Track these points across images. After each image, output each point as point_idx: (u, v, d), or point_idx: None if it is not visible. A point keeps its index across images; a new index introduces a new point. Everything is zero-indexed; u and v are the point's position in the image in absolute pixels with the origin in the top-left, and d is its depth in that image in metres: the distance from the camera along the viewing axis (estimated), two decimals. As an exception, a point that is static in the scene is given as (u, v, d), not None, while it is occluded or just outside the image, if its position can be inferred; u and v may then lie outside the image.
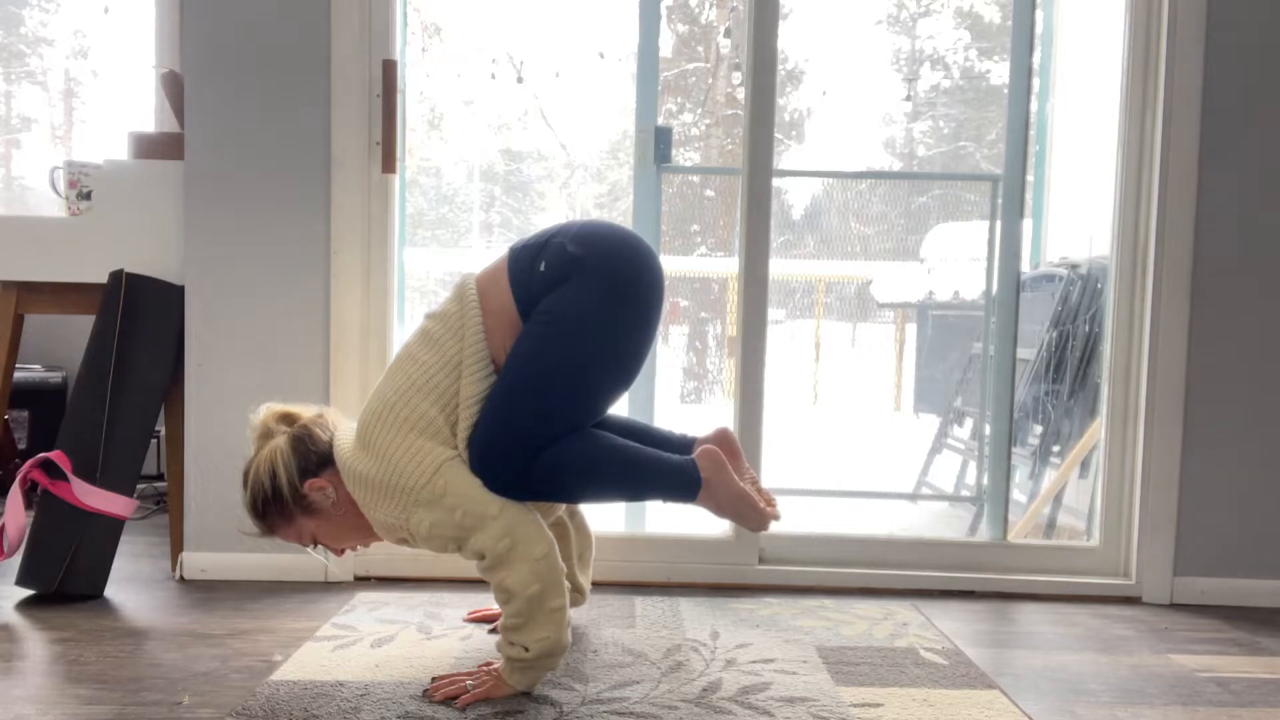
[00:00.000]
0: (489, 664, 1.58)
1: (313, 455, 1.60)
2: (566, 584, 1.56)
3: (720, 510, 1.62)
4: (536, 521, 1.54)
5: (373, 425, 1.56)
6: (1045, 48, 3.80)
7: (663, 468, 1.59)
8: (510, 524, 1.50)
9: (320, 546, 1.67)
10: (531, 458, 1.52)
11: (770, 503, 1.65)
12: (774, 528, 2.27)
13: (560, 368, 1.54)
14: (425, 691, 1.54)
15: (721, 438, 1.68)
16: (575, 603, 1.87)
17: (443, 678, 1.56)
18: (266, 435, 1.63)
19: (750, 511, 1.61)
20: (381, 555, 2.21)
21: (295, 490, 1.58)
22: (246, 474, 1.61)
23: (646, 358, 1.66)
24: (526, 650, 1.50)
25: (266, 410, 1.66)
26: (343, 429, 1.65)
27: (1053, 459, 3.12)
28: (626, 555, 2.20)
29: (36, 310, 2.26)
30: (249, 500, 1.60)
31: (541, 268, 1.57)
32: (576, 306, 1.54)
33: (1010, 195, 2.46)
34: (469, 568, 2.18)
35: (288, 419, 1.65)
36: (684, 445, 1.74)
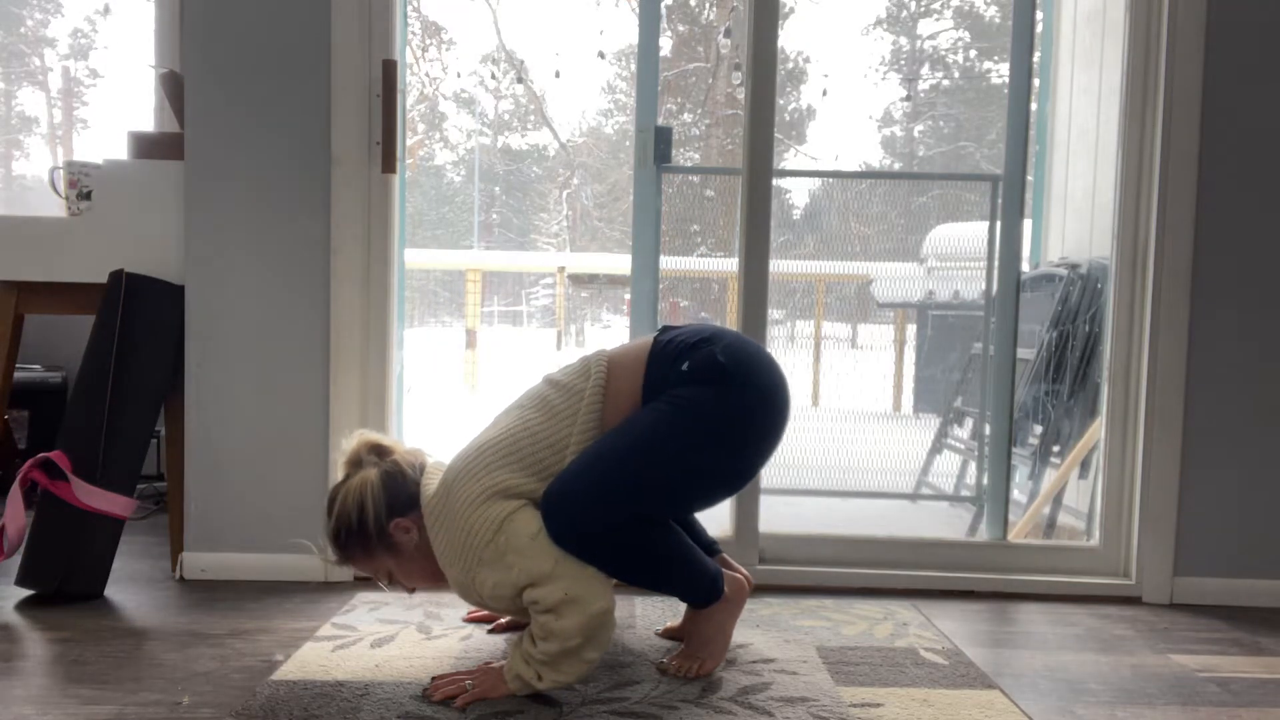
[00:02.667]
0: (489, 664, 1.58)
1: (401, 494, 1.58)
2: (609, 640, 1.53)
3: (703, 626, 1.67)
4: (598, 576, 1.51)
5: (461, 479, 1.54)
6: (1045, 48, 3.80)
7: (701, 572, 1.64)
8: (570, 582, 1.47)
9: (393, 583, 1.66)
10: (606, 530, 1.50)
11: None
12: (774, 528, 2.28)
13: (678, 456, 1.53)
14: (424, 691, 1.54)
15: (746, 582, 1.79)
16: None
17: (442, 677, 1.56)
18: (356, 464, 1.62)
19: (715, 653, 1.67)
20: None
21: (381, 528, 1.57)
22: (333, 501, 1.60)
23: (749, 481, 1.67)
24: (539, 679, 1.49)
25: (359, 438, 1.64)
26: (430, 470, 1.63)
27: (1053, 459, 3.12)
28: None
29: (36, 310, 2.26)
30: (333, 529, 1.59)
31: (685, 367, 1.55)
32: (714, 411, 1.53)
33: (1010, 195, 2.46)
34: (469, 568, 2.19)
35: (379, 450, 1.63)
36: (708, 545, 1.83)
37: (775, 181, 2.23)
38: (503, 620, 1.86)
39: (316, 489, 2.16)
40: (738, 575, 1.74)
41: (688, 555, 1.62)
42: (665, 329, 1.65)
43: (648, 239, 2.38)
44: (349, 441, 1.65)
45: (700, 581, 1.64)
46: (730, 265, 2.46)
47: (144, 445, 2.11)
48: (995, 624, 2.03)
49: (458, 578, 1.56)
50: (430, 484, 1.60)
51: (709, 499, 1.66)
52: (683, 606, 1.77)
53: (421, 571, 1.63)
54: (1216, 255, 2.17)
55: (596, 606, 1.47)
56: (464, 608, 1.97)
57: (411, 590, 1.70)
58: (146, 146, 2.29)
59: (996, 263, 2.61)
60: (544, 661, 1.49)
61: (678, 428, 1.53)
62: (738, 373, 1.55)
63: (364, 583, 2.17)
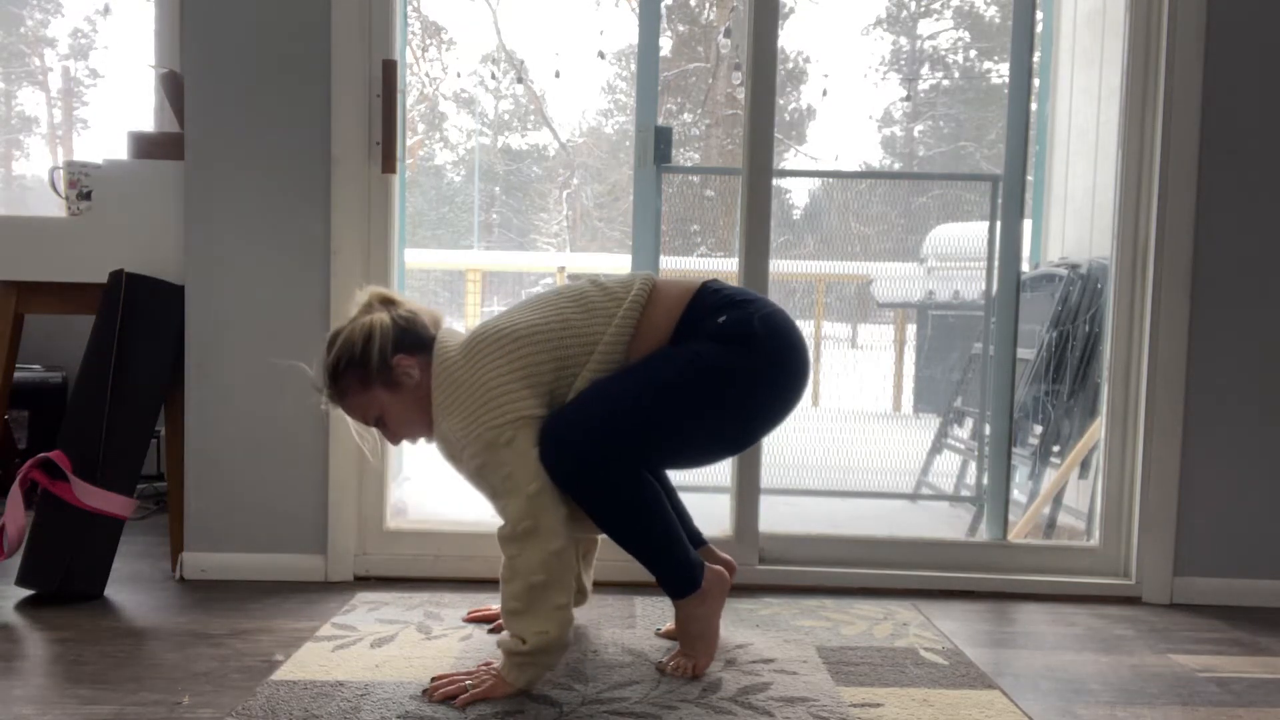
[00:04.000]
0: (488, 664, 1.58)
1: (411, 337, 1.61)
2: (573, 585, 1.56)
3: (687, 623, 1.67)
4: (563, 516, 1.54)
5: (488, 341, 1.56)
6: (1045, 48, 3.80)
7: (683, 556, 1.63)
8: (540, 507, 1.51)
9: (377, 431, 1.66)
10: (605, 460, 1.52)
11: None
12: (774, 528, 2.28)
13: (691, 406, 1.55)
14: (424, 691, 1.54)
15: (730, 570, 1.80)
16: (578, 602, 1.88)
17: (442, 677, 1.56)
18: (367, 310, 1.63)
19: (705, 649, 1.67)
20: (382, 556, 2.21)
21: (384, 360, 1.58)
22: (334, 338, 1.61)
23: (748, 448, 1.72)
24: (524, 642, 1.50)
25: (371, 290, 1.67)
26: (446, 330, 1.65)
27: (1053, 459, 3.12)
28: (627, 555, 2.20)
29: (36, 310, 2.26)
30: (331, 361, 1.60)
31: (720, 320, 1.58)
32: (735, 367, 1.55)
33: (1010, 195, 2.46)
34: (469, 568, 2.19)
35: (391, 303, 1.66)
36: (693, 536, 1.84)
37: (775, 181, 2.23)
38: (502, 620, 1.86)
39: (316, 489, 2.17)
40: (718, 568, 1.72)
41: (673, 533, 1.62)
42: (714, 281, 1.67)
43: (648, 239, 2.38)
44: (360, 294, 1.67)
45: (680, 567, 1.63)
46: (730, 265, 2.46)
47: (144, 445, 2.11)
48: (995, 624, 2.03)
49: (448, 432, 1.56)
50: (448, 338, 1.61)
51: (707, 456, 1.70)
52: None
53: (413, 417, 1.63)
54: (1216, 255, 2.17)
55: (555, 544, 1.51)
56: (464, 608, 1.97)
57: (395, 439, 1.68)
58: (146, 146, 2.29)
59: (996, 263, 2.62)
60: (516, 611, 1.51)
61: (698, 380, 1.55)
62: (768, 342, 1.57)
63: (364, 583, 2.17)
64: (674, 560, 1.64)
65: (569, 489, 1.54)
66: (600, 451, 1.52)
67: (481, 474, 1.55)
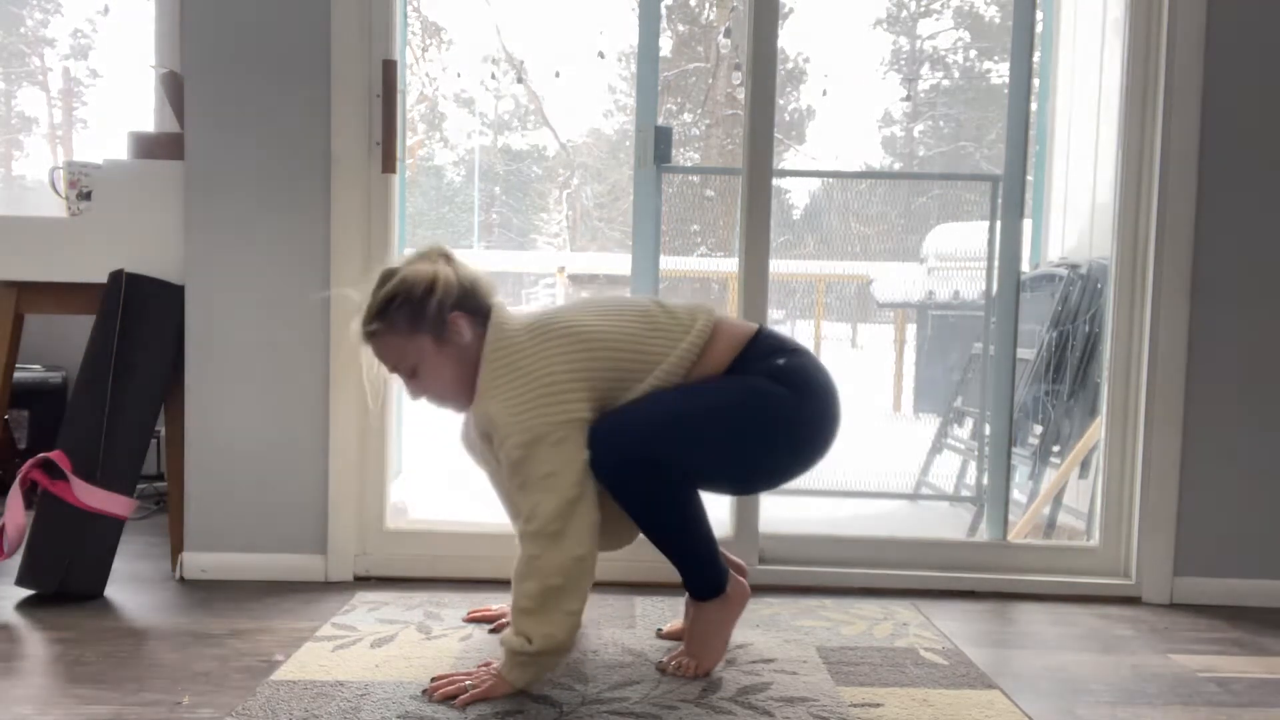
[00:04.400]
0: (488, 663, 1.58)
1: (471, 299, 1.60)
2: (588, 593, 1.57)
3: (703, 626, 1.68)
4: (595, 526, 1.54)
5: (558, 334, 1.56)
6: (1045, 48, 3.80)
7: (714, 559, 1.66)
8: (575, 513, 1.51)
9: (394, 381, 1.63)
10: (656, 459, 1.54)
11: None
12: (774, 528, 2.28)
13: (741, 426, 1.59)
14: (424, 691, 1.54)
15: (742, 573, 1.82)
16: None
17: (442, 678, 1.56)
18: (429, 260, 1.62)
19: (712, 654, 1.68)
20: (382, 556, 2.21)
21: (441, 312, 1.57)
22: (393, 272, 1.59)
23: (766, 488, 1.76)
24: (530, 642, 1.50)
25: (433, 244, 1.66)
26: (502, 304, 1.65)
27: (1053, 459, 3.12)
28: (627, 555, 2.19)
29: (36, 310, 2.26)
30: (384, 295, 1.57)
31: (779, 363, 1.63)
32: (787, 405, 1.60)
33: (1010, 195, 2.46)
34: (469, 568, 2.19)
35: (450, 260, 1.64)
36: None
37: (775, 181, 2.23)
38: (504, 620, 1.86)
39: (316, 489, 2.17)
40: (742, 580, 1.76)
41: (709, 535, 1.65)
42: (768, 328, 1.73)
43: (648, 239, 2.38)
44: (421, 248, 1.65)
45: (709, 569, 1.65)
46: (730, 265, 2.47)
47: (144, 445, 2.11)
48: (995, 624, 2.03)
49: (493, 413, 1.53)
50: (508, 317, 1.61)
51: (734, 483, 1.74)
52: (683, 607, 1.77)
53: (451, 377, 1.61)
54: (1216, 255, 2.17)
55: (580, 551, 1.51)
56: (464, 608, 1.96)
57: (416, 396, 1.65)
58: (146, 146, 2.29)
59: (996, 263, 2.61)
60: (527, 609, 1.50)
61: (753, 407, 1.59)
62: (818, 391, 1.64)
63: (364, 583, 2.17)
64: (704, 563, 1.65)
65: (616, 484, 1.55)
66: (653, 450, 1.54)
67: (520, 465, 1.52)
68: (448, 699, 1.50)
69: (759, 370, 1.62)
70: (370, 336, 1.62)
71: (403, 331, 1.58)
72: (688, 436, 1.56)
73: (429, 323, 1.57)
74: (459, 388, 1.62)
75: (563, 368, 1.54)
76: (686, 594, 1.70)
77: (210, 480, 2.17)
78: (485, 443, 1.61)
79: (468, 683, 1.53)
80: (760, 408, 1.59)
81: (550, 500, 1.50)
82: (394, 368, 1.63)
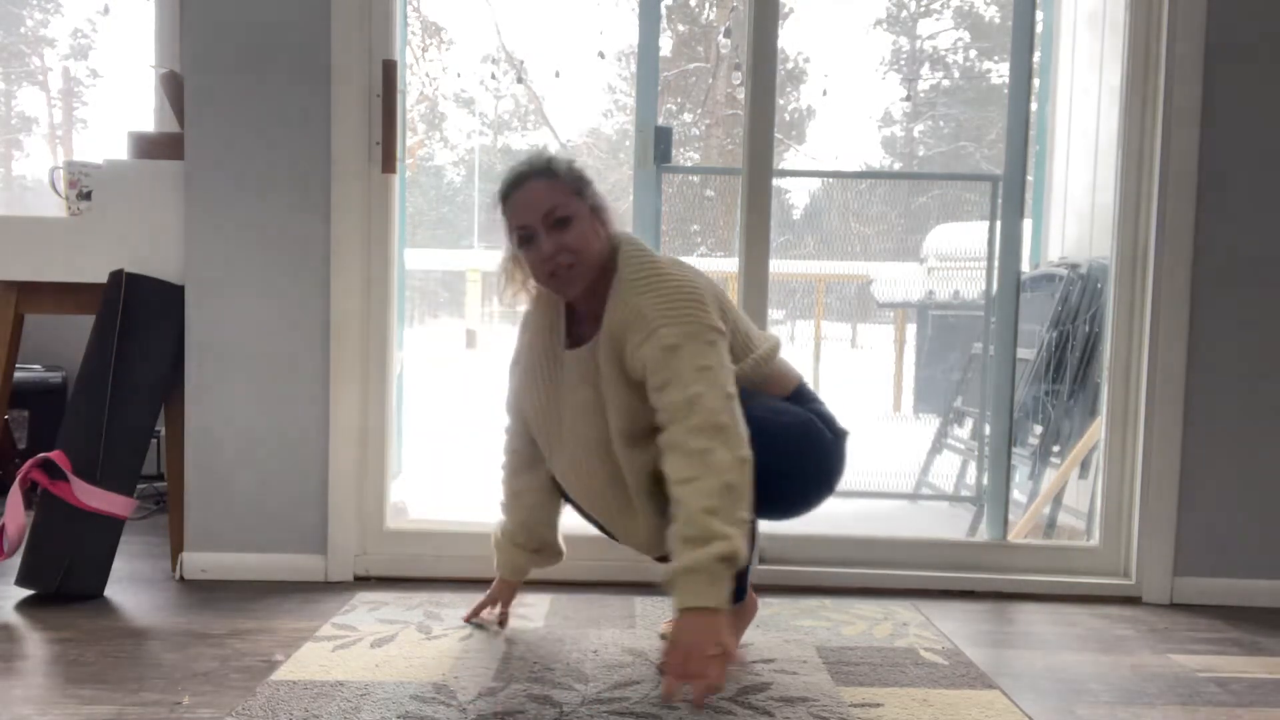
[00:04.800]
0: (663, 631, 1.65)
1: (606, 212, 1.68)
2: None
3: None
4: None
5: (691, 268, 1.64)
6: (1045, 48, 3.80)
7: (746, 569, 1.64)
8: (735, 410, 1.49)
9: (541, 233, 1.59)
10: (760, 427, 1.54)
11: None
12: (774, 528, 2.28)
13: (802, 450, 1.64)
14: (662, 696, 1.49)
15: (756, 601, 1.87)
16: (552, 561, 1.89)
17: (673, 674, 1.42)
18: None
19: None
20: (382, 556, 2.21)
21: (601, 199, 1.66)
22: (555, 155, 1.68)
23: (777, 515, 1.76)
24: (725, 537, 1.40)
25: None
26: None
27: (1053, 459, 3.12)
28: (627, 555, 2.20)
29: (36, 310, 2.26)
30: (570, 158, 1.68)
31: (820, 409, 1.73)
32: (825, 447, 1.68)
33: (1010, 195, 2.46)
34: (469, 568, 2.19)
35: None
36: None
37: (775, 181, 2.23)
38: (499, 612, 1.88)
39: (316, 489, 2.17)
40: (755, 596, 1.79)
41: (753, 540, 1.66)
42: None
43: (648, 239, 2.38)
44: None
45: (741, 576, 1.60)
46: (730, 265, 2.46)
47: (144, 445, 2.11)
48: (995, 624, 2.03)
49: (641, 307, 1.54)
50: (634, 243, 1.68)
51: (770, 500, 1.67)
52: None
53: (596, 249, 1.62)
54: (1216, 255, 2.17)
55: (744, 451, 1.47)
56: (464, 608, 1.96)
57: (553, 248, 1.59)
58: (146, 146, 2.29)
59: (996, 263, 2.62)
60: (713, 509, 1.41)
61: (813, 436, 1.65)
62: (844, 447, 1.73)
63: (364, 583, 2.17)
64: (743, 568, 1.64)
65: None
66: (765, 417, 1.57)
67: (673, 356, 1.49)
68: (709, 693, 1.43)
69: (809, 410, 1.69)
70: (539, 175, 1.63)
71: (572, 189, 1.63)
72: (762, 443, 1.52)
73: (593, 197, 1.65)
74: (594, 262, 1.62)
75: (705, 288, 1.59)
76: None
77: (210, 480, 2.17)
78: (612, 346, 1.57)
79: (690, 666, 1.39)
80: (819, 438, 1.66)
81: (714, 393, 1.48)
82: (548, 211, 1.60)
